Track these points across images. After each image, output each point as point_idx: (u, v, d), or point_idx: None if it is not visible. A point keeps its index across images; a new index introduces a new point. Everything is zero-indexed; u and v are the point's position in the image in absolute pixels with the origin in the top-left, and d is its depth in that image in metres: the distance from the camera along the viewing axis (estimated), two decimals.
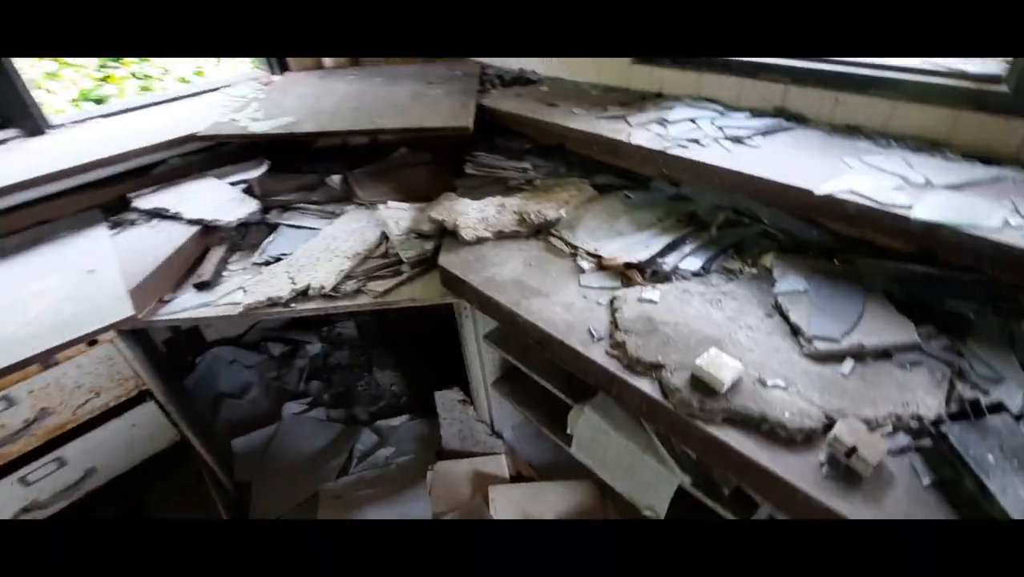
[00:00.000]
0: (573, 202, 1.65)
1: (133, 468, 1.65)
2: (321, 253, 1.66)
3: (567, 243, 1.51)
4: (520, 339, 1.57)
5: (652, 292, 1.27)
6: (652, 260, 1.37)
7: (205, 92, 2.47)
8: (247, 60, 2.83)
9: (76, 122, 2.15)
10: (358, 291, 1.56)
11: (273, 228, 1.86)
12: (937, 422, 0.90)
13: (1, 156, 1.90)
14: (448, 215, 1.60)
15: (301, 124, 1.87)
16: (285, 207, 1.96)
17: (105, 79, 4.68)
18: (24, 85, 1.97)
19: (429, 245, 1.65)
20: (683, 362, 1.08)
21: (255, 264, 1.69)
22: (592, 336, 1.19)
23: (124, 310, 1.37)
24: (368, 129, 1.82)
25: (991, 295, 1.20)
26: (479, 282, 1.39)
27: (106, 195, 1.89)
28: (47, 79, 4.52)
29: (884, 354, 1.09)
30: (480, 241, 1.55)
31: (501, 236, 1.57)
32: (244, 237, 1.82)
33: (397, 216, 1.78)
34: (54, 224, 1.80)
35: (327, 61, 2.60)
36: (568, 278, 1.39)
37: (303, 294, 1.53)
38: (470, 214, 1.61)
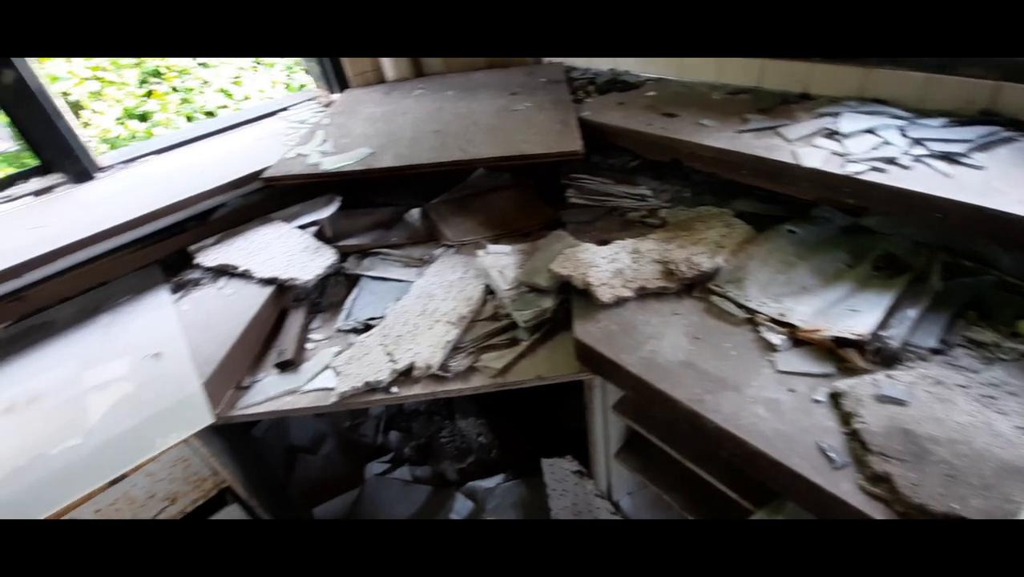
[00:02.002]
0: (728, 244, 1.32)
1: None
2: (418, 317, 1.38)
3: (738, 304, 1.18)
4: (708, 449, 1.25)
5: (892, 386, 0.94)
6: (876, 334, 1.03)
7: (260, 118, 2.23)
8: (291, 68, 2.57)
9: (126, 162, 1.93)
10: (471, 368, 1.27)
11: (353, 281, 1.59)
12: None
13: (49, 207, 1.69)
14: (575, 269, 1.29)
15: (379, 157, 1.59)
16: (363, 252, 1.69)
17: (148, 95, 4.58)
18: (68, 125, 1.75)
19: (548, 303, 1.35)
20: (992, 513, 0.75)
21: (340, 331, 1.43)
22: (829, 459, 0.86)
23: (200, 416, 1.12)
24: (460, 160, 1.52)
25: None
26: (636, 366, 1.08)
27: (165, 248, 1.65)
28: (92, 99, 4.42)
29: None
30: (619, 302, 1.24)
31: (644, 294, 1.26)
32: (322, 294, 1.56)
33: (500, 263, 1.48)
34: (111, 286, 1.58)
35: (388, 72, 2.32)
36: (755, 358, 1.06)
37: (406, 374, 1.26)
38: (601, 266, 1.30)
